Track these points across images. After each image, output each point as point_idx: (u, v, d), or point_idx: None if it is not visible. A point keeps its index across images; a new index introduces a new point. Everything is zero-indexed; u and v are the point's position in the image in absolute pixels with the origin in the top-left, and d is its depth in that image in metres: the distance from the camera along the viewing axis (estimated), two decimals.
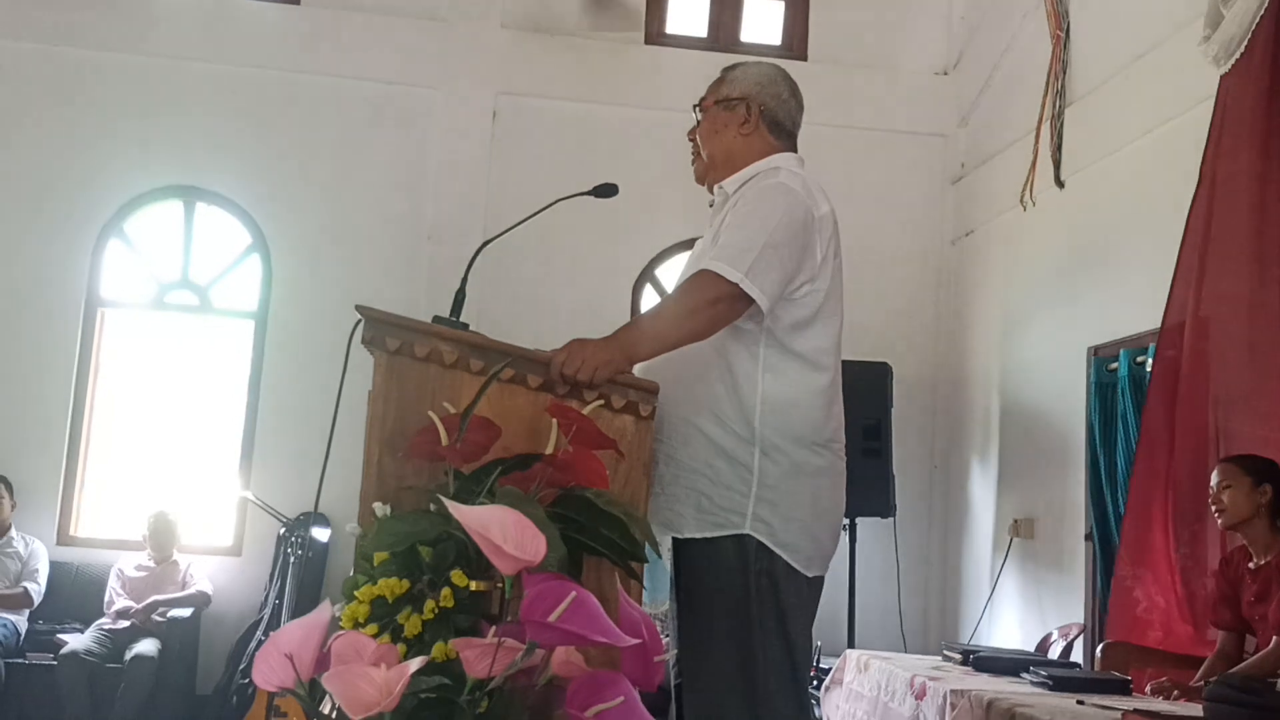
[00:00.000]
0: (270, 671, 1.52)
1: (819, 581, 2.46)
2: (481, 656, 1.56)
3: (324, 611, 1.62)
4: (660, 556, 2.40)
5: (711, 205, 2.64)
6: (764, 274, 2.31)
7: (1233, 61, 4.20)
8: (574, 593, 1.57)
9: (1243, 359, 4.09)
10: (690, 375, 2.40)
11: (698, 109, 2.67)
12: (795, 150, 2.64)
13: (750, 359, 2.39)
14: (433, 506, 1.96)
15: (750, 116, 2.59)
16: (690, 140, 2.69)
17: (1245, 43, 4.13)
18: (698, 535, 2.37)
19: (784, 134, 2.63)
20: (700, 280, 2.33)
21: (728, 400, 2.38)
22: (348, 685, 1.46)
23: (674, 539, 2.42)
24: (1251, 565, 3.67)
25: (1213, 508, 3.74)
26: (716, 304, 2.31)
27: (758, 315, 2.36)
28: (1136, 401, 4.88)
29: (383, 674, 1.45)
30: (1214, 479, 3.73)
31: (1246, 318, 4.06)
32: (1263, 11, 4.07)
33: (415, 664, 1.46)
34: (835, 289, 2.48)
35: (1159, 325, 4.44)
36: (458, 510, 1.61)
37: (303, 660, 1.55)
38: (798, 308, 2.41)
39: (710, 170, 2.64)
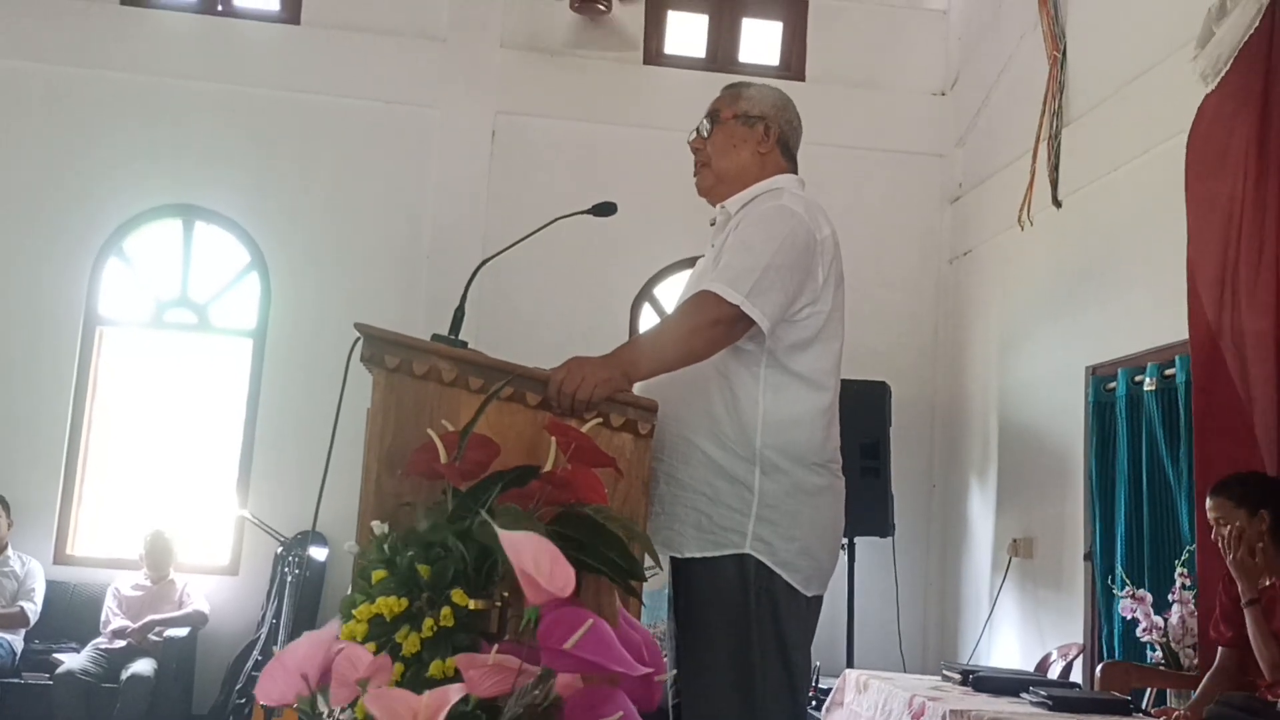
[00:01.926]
0: (274, 686, 1.51)
1: (818, 601, 2.46)
2: (485, 676, 1.55)
3: (334, 627, 1.62)
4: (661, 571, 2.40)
5: (713, 224, 2.63)
6: (765, 296, 2.32)
7: (1219, 79, 4.20)
8: (590, 620, 1.56)
9: (1239, 388, 4.02)
10: (690, 394, 2.39)
11: (712, 120, 2.62)
12: (796, 173, 2.65)
13: (751, 378, 2.39)
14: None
15: (769, 137, 2.60)
16: (694, 150, 2.65)
17: (1231, 61, 4.14)
18: (698, 555, 2.36)
19: (791, 158, 2.65)
20: (701, 301, 2.34)
21: (728, 420, 2.38)
22: (385, 708, 1.45)
23: (673, 558, 2.41)
24: None
25: (1218, 544, 3.69)
26: (717, 325, 2.31)
27: (759, 336, 2.35)
28: (1134, 421, 4.87)
29: (423, 701, 1.45)
30: (1209, 512, 3.67)
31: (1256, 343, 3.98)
32: (1252, 30, 4.07)
33: (456, 691, 1.45)
34: (837, 311, 2.48)
35: (1157, 345, 4.40)
36: (504, 535, 1.56)
37: (310, 674, 1.54)
38: (799, 329, 2.41)
39: (719, 184, 2.61)
